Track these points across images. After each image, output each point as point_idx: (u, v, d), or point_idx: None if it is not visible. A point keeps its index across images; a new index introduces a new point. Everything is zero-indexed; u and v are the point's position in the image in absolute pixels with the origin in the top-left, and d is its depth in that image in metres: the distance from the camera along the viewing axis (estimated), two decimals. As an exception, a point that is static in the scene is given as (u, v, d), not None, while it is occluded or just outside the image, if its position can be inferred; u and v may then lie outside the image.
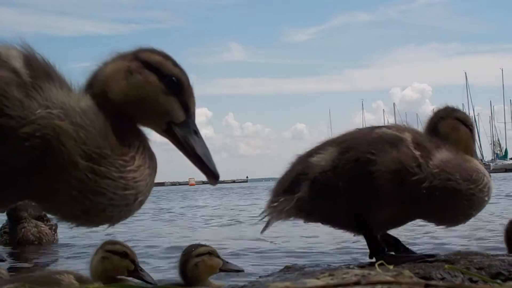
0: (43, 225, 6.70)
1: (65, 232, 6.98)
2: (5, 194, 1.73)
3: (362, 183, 2.69)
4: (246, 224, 9.16)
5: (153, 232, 8.11)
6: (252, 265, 4.52)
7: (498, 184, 25.35)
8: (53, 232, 6.81)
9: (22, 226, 6.52)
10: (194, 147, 1.83)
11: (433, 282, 1.30)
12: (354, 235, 3.04)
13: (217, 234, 7.88)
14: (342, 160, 2.74)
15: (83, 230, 8.90)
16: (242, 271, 2.97)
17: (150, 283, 2.66)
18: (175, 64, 1.84)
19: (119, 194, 1.73)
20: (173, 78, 1.80)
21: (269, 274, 2.88)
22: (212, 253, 2.77)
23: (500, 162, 73.18)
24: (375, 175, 2.68)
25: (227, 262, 2.84)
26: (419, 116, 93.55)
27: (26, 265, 5.25)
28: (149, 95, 1.78)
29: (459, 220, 2.94)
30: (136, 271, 2.65)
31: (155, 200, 21.52)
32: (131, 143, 1.79)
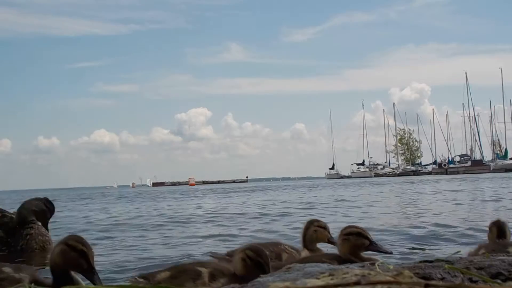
0: (48, 234, 5.93)
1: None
2: None
3: None
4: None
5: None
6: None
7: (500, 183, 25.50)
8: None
9: (28, 232, 5.73)
10: None
11: (433, 282, 1.30)
12: None
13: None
14: None
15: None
16: None
17: (389, 252, 3.27)
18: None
19: None
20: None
21: (269, 274, 2.88)
22: None
23: (500, 162, 73.24)
24: None
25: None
26: (419, 116, 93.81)
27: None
28: None
29: None
30: (371, 244, 3.21)
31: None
32: None
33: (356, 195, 20.55)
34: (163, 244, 6.48)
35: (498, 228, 3.78)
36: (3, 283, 2.65)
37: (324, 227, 3.78)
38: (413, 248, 5.27)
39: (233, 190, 36.19)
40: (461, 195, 16.14)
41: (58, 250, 2.68)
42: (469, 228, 6.77)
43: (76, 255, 2.65)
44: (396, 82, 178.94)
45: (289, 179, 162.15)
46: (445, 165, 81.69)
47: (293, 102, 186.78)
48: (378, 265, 1.95)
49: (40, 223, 5.87)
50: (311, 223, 3.81)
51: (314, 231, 3.76)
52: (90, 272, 2.68)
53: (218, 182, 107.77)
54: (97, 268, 2.76)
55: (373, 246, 3.22)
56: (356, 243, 3.20)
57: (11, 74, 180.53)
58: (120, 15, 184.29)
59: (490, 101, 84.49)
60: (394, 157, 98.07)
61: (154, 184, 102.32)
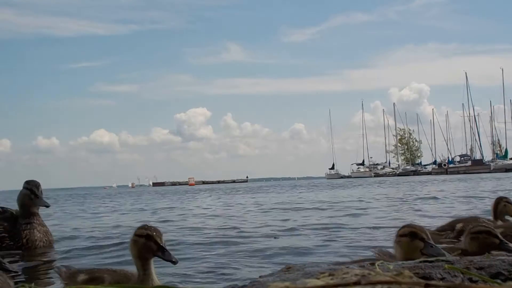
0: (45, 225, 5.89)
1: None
2: None
3: None
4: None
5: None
6: (252, 264, 4.52)
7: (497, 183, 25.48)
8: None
9: (30, 227, 5.63)
10: None
11: (433, 282, 1.30)
12: None
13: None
14: None
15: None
16: None
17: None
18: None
19: None
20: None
21: (269, 274, 2.88)
22: None
23: (500, 162, 73.19)
24: None
25: None
26: (419, 116, 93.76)
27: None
28: None
29: None
30: (501, 244, 3.10)
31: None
32: None
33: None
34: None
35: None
36: None
37: (511, 203, 4.51)
38: None
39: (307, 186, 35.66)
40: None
41: (131, 243, 2.81)
42: None
43: (144, 240, 2.76)
44: (395, 82, 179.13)
45: (289, 179, 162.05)
46: (445, 165, 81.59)
47: (293, 102, 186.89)
48: (378, 265, 1.95)
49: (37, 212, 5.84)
50: (500, 199, 4.52)
51: (504, 206, 4.47)
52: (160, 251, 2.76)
53: (218, 182, 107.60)
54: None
55: (503, 245, 3.08)
56: (486, 241, 3.11)
57: (10, 74, 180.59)
58: (120, 15, 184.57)
59: (490, 101, 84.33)
60: (394, 157, 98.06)
61: (154, 184, 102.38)
